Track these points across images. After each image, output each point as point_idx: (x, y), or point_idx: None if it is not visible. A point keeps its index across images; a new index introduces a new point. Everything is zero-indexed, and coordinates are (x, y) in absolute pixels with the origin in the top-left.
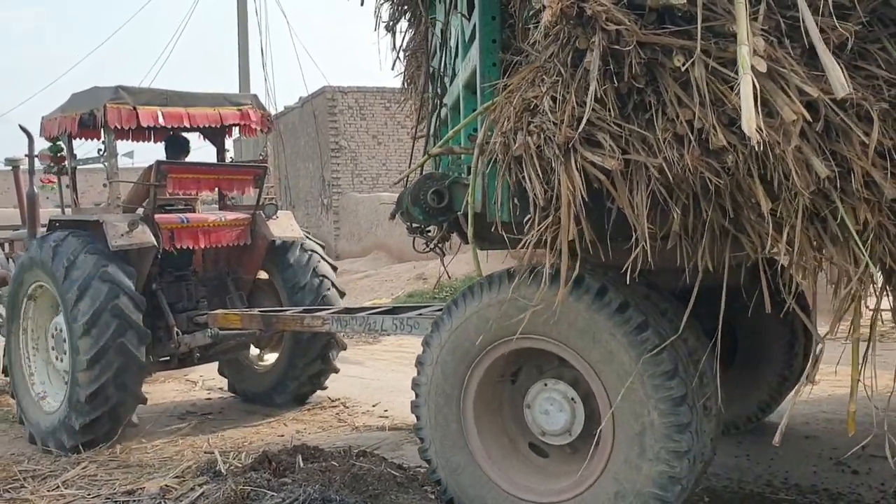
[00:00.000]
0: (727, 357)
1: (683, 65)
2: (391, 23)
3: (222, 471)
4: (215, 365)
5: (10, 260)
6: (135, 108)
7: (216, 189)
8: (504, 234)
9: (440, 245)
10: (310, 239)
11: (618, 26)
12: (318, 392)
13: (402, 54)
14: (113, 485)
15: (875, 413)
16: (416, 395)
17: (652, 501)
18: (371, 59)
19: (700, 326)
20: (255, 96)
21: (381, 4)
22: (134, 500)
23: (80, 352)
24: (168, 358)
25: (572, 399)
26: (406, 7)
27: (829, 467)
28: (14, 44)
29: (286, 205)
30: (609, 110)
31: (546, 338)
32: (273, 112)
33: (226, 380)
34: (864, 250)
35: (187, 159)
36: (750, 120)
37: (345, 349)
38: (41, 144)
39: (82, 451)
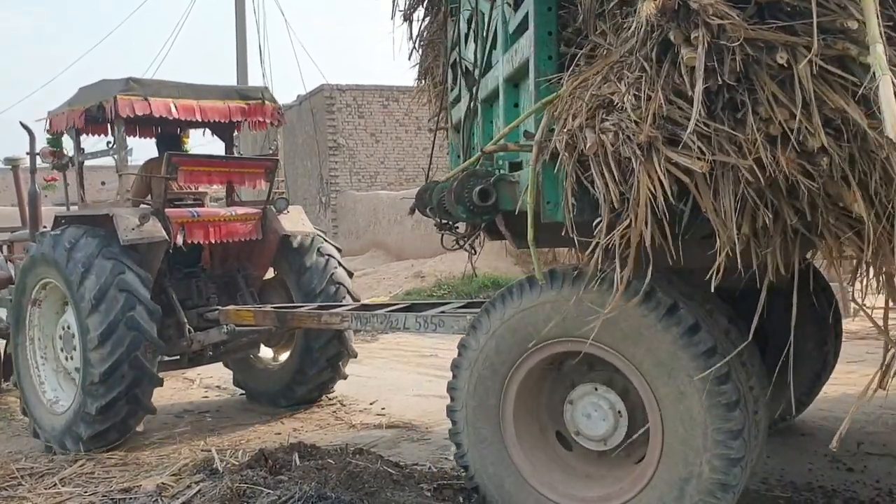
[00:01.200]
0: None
1: (787, 62)
2: (409, 11)
3: (219, 469)
4: (215, 363)
5: (10, 262)
6: (147, 100)
7: (227, 182)
8: (572, 235)
9: (470, 242)
10: (327, 242)
11: (722, 21)
12: None
13: (418, 44)
14: (110, 482)
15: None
16: (452, 400)
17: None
18: (369, 57)
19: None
20: (266, 89)
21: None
22: (130, 498)
23: (92, 364)
24: (179, 357)
25: (619, 412)
26: None
27: (825, 464)
28: (12, 43)
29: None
30: (698, 109)
31: (602, 345)
32: None
33: (225, 377)
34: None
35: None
36: (893, 123)
37: (355, 357)
38: (42, 143)
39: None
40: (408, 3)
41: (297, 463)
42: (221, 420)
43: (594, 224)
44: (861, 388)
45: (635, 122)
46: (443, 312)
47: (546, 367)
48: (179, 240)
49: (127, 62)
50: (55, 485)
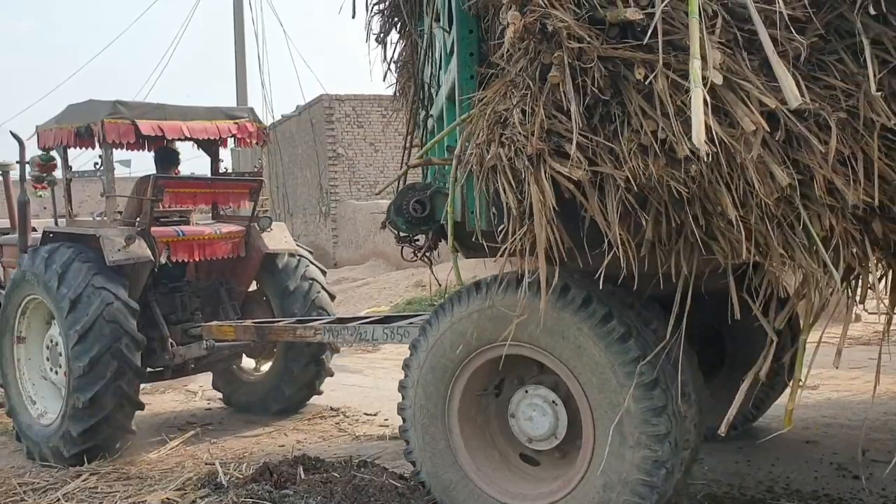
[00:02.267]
0: (716, 361)
1: (645, 78)
2: (381, 34)
3: (223, 483)
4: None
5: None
6: (133, 122)
7: (212, 203)
8: (484, 242)
9: (427, 254)
10: (312, 264)
11: (579, 44)
12: (318, 401)
13: (393, 65)
14: (114, 497)
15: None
16: (403, 398)
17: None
18: (369, 67)
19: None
20: (252, 109)
21: (372, 16)
22: None
23: (76, 359)
24: (162, 369)
25: (553, 402)
26: (396, 19)
27: (831, 472)
28: (10, 54)
29: (284, 213)
30: (575, 123)
31: (525, 344)
32: (271, 121)
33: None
34: (828, 255)
35: (181, 170)
36: (699, 133)
37: (338, 352)
38: (33, 151)
39: (85, 460)
40: (381, 27)
41: (302, 476)
42: (224, 433)
43: (498, 230)
44: (863, 395)
45: (524, 136)
46: (410, 323)
47: (483, 392)
48: (164, 259)
49: (126, 73)
50: (58, 500)
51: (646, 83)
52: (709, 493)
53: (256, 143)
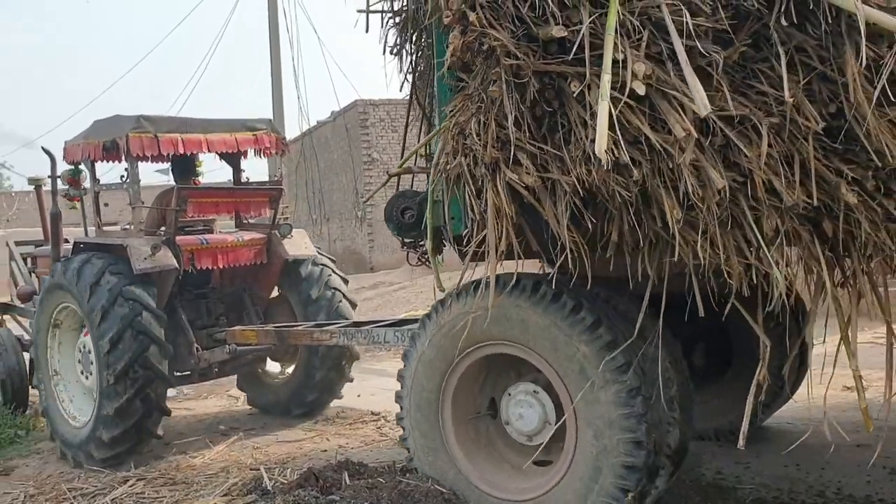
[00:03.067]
0: (724, 362)
1: (579, 90)
2: (397, 47)
3: (269, 488)
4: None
5: (33, 274)
6: (156, 136)
7: (233, 211)
8: (455, 247)
9: (429, 258)
10: (322, 254)
11: (515, 61)
12: (359, 406)
13: (408, 76)
14: (161, 502)
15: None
16: (401, 387)
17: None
18: (385, 80)
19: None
20: (270, 121)
21: (388, 30)
22: None
23: (106, 368)
24: (189, 373)
25: (535, 392)
26: (411, 31)
27: (884, 476)
28: (46, 68)
29: (321, 218)
30: (524, 132)
31: (506, 342)
32: (306, 126)
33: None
34: (770, 254)
35: (203, 179)
36: (601, 143)
37: (357, 359)
38: (63, 166)
39: (125, 463)
40: (396, 39)
41: (347, 482)
42: (267, 437)
43: (463, 234)
44: None
45: (481, 146)
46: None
47: (477, 416)
48: (189, 267)
49: (162, 84)
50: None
51: (580, 95)
52: (758, 498)
53: (275, 153)
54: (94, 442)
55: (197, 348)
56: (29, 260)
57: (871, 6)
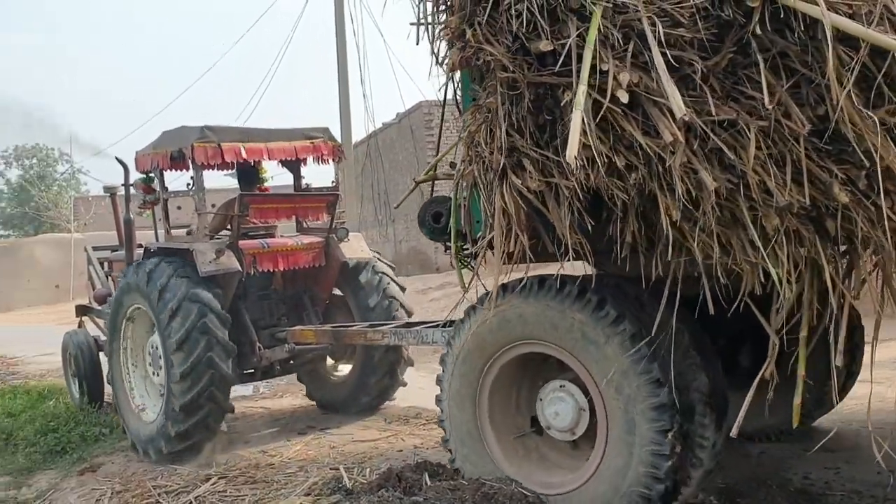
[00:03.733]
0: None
1: (570, 100)
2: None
3: (348, 487)
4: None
5: (109, 278)
6: (219, 146)
7: (293, 216)
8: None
9: (472, 261)
10: (381, 261)
11: (510, 74)
12: (433, 407)
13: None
14: (243, 500)
15: None
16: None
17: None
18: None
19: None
20: (327, 129)
21: (439, 43)
22: None
23: (174, 366)
24: (252, 371)
25: (562, 386)
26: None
27: None
28: (105, 82)
29: (386, 219)
30: (527, 140)
31: (538, 341)
32: (372, 128)
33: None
34: (764, 252)
35: (270, 185)
36: (573, 149)
37: (412, 365)
38: (135, 175)
39: (194, 458)
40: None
41: (428, 483)
42: (342, 437)
43: (478, 237)
44: None
45: (490, 153)
46: None
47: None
48: (251, 269)
49: (228, 94)
50: (190, 503)
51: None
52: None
53: (332, 160)
54: (163, 437)
55: (259, 347)
56: (105, 264)
57: (840, 13)
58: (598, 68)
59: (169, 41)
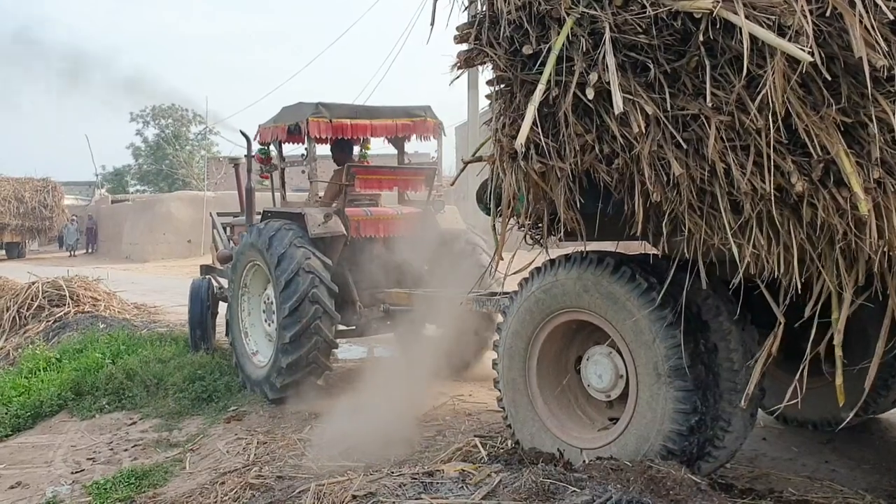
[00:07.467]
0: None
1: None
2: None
3: (484, 457)
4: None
5: (231, 241)
6: (331, 121)
7: (395, 188)
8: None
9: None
10: (473, 232)
11: (503, 72)
12: None
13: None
14: (388, 460)
15: None
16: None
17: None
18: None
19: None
20: (429, 107)
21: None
22: (437, 482)
23: (283, 303)
24: (354, 327)
25: (609, 353)
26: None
27: None
28: (241, 52)
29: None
30: (498, 129)
31: (583, 309)
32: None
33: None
34: (736, 237)
35: (373, 160)
36: (522, 136)
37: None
38: (256, 146)
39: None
40: None
41: (585, 461)
42: (477, 405)
43: (497, 213)
44: None
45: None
46: None
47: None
48: (355, 234)
49: (354, 69)
50: (335, 456)
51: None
52: None
53: (433, 137)
54: (269, 385)
55: (359, 306)
56: (228, 228)
57: (762, 24)
58: (575, 69)
59: (282, 16)
